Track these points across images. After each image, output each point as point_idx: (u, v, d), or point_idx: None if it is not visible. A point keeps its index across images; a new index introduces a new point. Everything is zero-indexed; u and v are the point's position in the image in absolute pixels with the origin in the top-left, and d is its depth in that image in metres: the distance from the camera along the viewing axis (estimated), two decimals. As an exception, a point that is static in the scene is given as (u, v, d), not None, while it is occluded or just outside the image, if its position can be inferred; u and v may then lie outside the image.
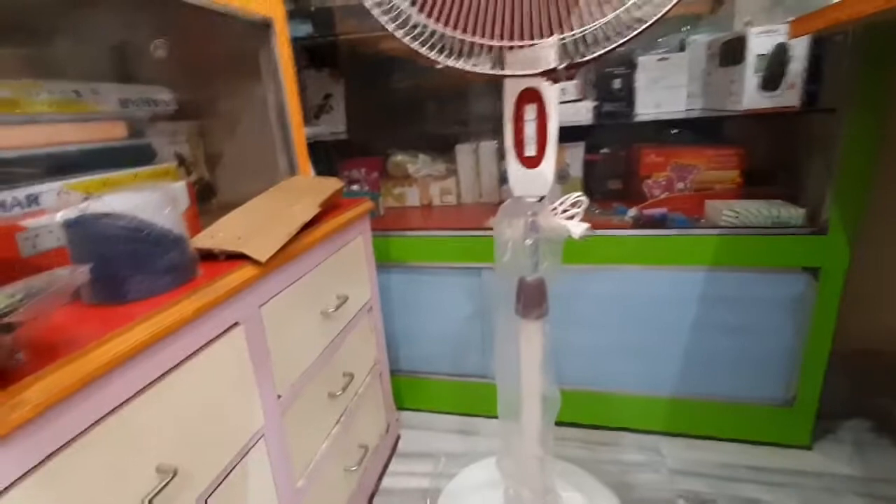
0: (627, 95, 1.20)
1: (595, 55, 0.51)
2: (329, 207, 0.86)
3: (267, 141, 0.99)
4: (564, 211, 0.72)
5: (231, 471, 0.57)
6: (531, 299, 0.71)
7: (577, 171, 1.34)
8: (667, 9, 0.50)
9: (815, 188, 1.00)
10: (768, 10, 1.14)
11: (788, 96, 1.00)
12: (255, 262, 0.61)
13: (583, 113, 1.19)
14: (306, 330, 0.76)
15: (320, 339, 0.80)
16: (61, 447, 0.38)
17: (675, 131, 1.29)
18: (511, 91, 0.62)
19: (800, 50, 0.97)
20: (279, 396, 0.67)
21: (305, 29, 1.17)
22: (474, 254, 1.15)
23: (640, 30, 0.51)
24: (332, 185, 0.87)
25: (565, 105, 1.20)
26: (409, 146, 1.49)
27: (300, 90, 1.46)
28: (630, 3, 0.51)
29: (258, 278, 0.61)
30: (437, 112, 1.49)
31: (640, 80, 1.18)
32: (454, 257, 1.17)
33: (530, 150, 0.64)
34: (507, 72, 0.55)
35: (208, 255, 0.62)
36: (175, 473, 0.45)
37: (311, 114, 1.50)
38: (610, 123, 1.26)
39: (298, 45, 1.24)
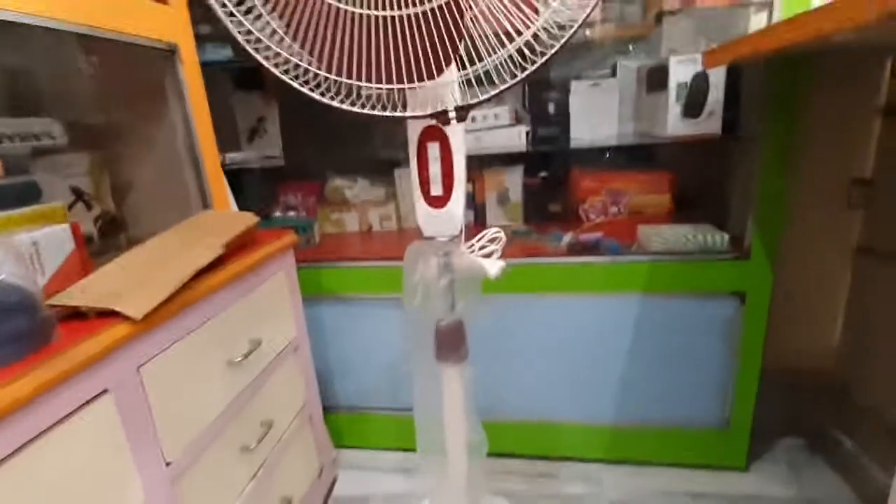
0: (562, 120, 1.20)
1: (487, 96, 0.49)
2: (240, 245, 0.81)
3: (177, 172, 0.92)
4: (482, 248, 0.70)
5: (97, 561, 0.50)
6: (448, 343, 0.68)
7: (516, 195, 1.33)
8: (562, 42, 0.48)
9: (737, 213, 1.02)
10: (692, 38, 1.16)
11: (709, 123, 1.01)
12: (130, 320, 0.55)
13: (516, 138, 1.18)
14: (206, 385, 0.69)
15: (226, 392, 0.73)
16: None
17: (608, 155, 1.30)
18: (413, 129, 0.59)
19: (718, 79, 0.99)
20: (168, 464, 0.60)
21: (225, 53, 1.11)
22: (409, 284, 1.11)
23: (532, 68, 0.49)
24: (243, 220, 0.82)
25: (499, 130, 1.19)
26: (348, 170, 1.45)
27: (228, 114, 1.41)
28: (524, 38, 0.49)
29: (133, 337, 0.55)
30: (375, 135, 1.46)
31: (574, 104, 1.18)
32: (392, 287, 1.13)
33: (436, 190, 0.61)
34: (396, 114, 0.51)
35: (77, 315, 0.55)
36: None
37: (244, 138, 1.44)
38: (546, 148, 1.26)
39: (219, 69, 1.18)
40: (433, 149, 0.59)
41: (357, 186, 1.40)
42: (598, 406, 1.11)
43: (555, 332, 1.09)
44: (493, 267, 0.66)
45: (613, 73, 1.22)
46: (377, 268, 1.13)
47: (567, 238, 1.13)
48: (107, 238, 0.95)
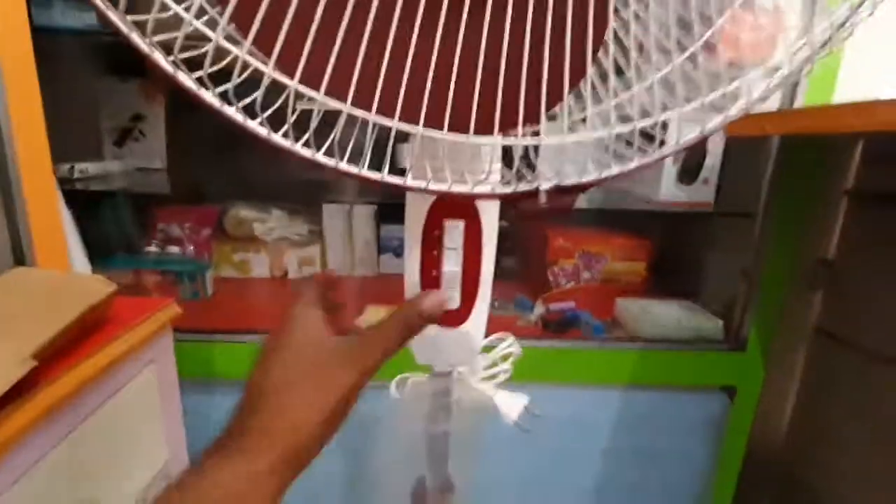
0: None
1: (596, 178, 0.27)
2: (76, 337, 0.48)
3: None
4: (485, 370, 0.46)
5: None
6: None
7: (471, 246, 1.11)
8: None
9: (727, 296, 0.91)
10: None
11: (703, 192, 0.90)
12: None
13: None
14: None
15: None
16: None
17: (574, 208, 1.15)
18: (419, 197, 0.35)
19: (715, 144, 0.88)
20: None
21: (87, 19, 0.76)
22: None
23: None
24: (84, 294, 0.49)
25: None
26: (258, 196, 1.12)
27: (89, 106, 1.02)
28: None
29: None
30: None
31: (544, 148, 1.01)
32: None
33: (451, 300, 0.36)
34: (435, 187, 0.27)
35: None
36: None
37: (109, 140, 1.05)
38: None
39: (77, 40, 0.82)
40: (453, 233, 0.34)
41: (271, 219, 1.08)
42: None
43: (505, 429, 0.88)
44: (514, 407, 0.43)
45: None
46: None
47: (538, 309, 0.94)
48: None
